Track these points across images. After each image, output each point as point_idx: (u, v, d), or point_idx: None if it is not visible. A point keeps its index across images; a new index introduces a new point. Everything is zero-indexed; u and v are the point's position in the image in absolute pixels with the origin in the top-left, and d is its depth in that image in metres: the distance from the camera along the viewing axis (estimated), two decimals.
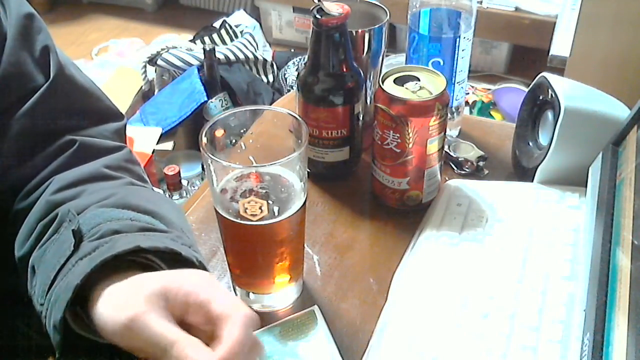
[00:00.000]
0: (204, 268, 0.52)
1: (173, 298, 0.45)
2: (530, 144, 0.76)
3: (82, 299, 0.49)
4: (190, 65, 1.95)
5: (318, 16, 0.68)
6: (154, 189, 0.65)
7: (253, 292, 0.63)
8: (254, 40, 2.14)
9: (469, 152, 0.80)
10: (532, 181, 0.73)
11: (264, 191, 0.57)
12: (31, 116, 0.60)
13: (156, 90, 2.04)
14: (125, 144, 0.67)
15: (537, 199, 0.70)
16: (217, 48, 1.93)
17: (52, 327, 0.48)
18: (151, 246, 0.49)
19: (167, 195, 1.61)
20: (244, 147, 0.62)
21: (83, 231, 0.51)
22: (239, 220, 0.56)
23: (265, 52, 2.23)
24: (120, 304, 0.46)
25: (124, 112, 0.70)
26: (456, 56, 0.77)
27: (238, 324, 0.44)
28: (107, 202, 0.55)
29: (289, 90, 1.99)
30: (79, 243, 0.51)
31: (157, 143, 1.76)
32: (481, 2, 2.03)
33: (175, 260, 0.51)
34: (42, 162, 0.60)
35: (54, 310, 0.48)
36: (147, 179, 0.65)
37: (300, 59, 2.12)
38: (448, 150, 0.79)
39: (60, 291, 0.48)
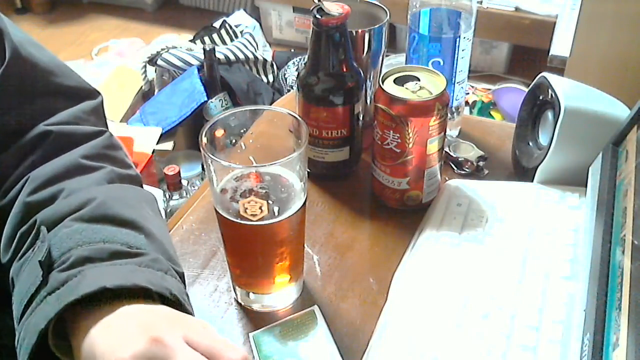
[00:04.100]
0: (177, 300, 0.50)
1: None
2: (530, 144, 0.76)
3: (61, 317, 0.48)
4: (190, 65, 1.95)
5: (318, 16, 0.68)
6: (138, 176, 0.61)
7: (253, 292, 0.63)
8: (254, 40, 2.14)
9: (469, 152, 0.80)
10: (532, 181, 0.73)
11: (264, 191, 0.57)
12: None
13: (156, 90, 2.03)
14: (105, 125, 0.63)
15: (537, 199, 0.70)
16: (217, 48, 1.93)
17: None
18: (117, 285, 0.47)
19: (167, 196, 1.61)
20: (244, 147, 0.62)
21: (54, 257, 0.50)
22: (239, 220, 0.56)
23: (265, 52, 2.23)
24: (120, 343, 0.45)
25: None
26: (456, 56, 0.77)
27: None
28: (84, 214, 0.52)
29: (289, 90, 1.99)
30: (50, 271, 0.49)
31: (157, 143, 1.76)
32: (481, 2, 2.03)
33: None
34: (15, 157, 0.57)
35: (22, 350, 0.48)
36: (131, 164, 0.62)
37: (300, 59, 2.12)
38: (448, 150, 0.79)
39: (27, 330, 0.48)
